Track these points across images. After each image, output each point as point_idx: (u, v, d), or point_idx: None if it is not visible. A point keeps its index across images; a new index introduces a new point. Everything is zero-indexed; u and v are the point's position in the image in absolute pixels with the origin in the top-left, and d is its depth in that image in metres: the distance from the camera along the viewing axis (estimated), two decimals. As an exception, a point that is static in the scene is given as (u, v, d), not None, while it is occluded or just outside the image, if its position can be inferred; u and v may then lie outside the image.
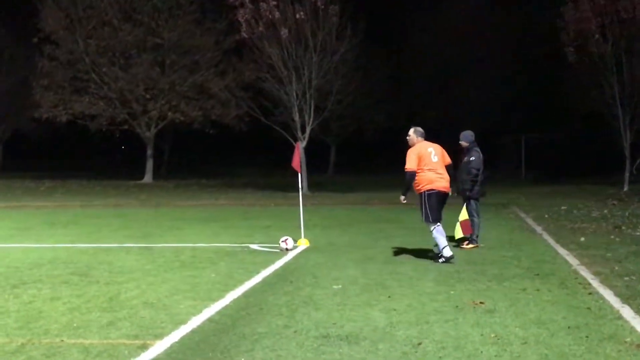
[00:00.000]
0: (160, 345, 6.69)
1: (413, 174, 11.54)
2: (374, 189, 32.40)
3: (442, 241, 11.51)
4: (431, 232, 11.65)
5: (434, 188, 11.58)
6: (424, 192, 11.59)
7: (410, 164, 11.55)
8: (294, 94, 32.02)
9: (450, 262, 11.26)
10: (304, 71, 31.75)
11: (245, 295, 9.11)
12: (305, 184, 12.57)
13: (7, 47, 45.87)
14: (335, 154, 56.40)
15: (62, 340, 6.96)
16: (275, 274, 10.76)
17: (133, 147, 56.57)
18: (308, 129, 32.62)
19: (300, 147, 16.07)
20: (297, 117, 32.30)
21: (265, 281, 10.11)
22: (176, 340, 6.89)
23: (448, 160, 12.06)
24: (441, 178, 11.70)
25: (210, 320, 7.72)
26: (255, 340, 6.83)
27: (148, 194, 32.55)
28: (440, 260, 11.43)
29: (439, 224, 11.61)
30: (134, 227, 18.29)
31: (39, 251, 13.67)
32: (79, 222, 19.90)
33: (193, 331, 7.24)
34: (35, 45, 39.98)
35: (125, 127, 42.18)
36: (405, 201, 11.80)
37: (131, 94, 40.04)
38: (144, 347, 6.63)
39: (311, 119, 32.49)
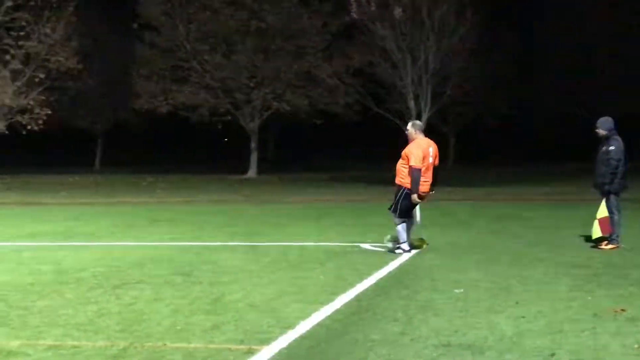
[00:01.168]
0: (267, 351, 6.73)
1: (420, 171, 12.30)
2: (496, 182, 31.91)
3: (403, 236, 12.69)
4: (396, 225, 12.75)
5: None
6: (406, 189, 12.47)
7: (416, 161, 12.28)
8: (409, 79, 31.74)
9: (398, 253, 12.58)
10: (420, 54, 31.42)
11: (357, 298, 9.11)
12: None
13: (103, 34, 46.62)
14: (454, 144, 55.71)
15: (165, 345, 7.10)
16: (390, 276, 10.73)
17: (236, 140, 57.38)
18: (424, 117, 32.28)
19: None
20: (412, 105, 32.04)
21: (378, 284, 10.10)
22: (284, 346, 6.91)
23: (437, 162, 13.10)
24: (425, 182, 12.60)
25: (320, 325, 7.74)
26: (369, 348, 6.79)
27: (252, 189, 33.04)
28: (398, 251, 12.67)
29: (406, 220, 12.77)
30: (238, 225, 18.61)
31: (140, 250, 14.07)
32: (181, 219, 20.40)
33: (302, 337, 7.26)
34: (133, 32, 40.94)
35: (228, 118, 42.75)
36: (419, 199, 12.67)
37: (234, 82, 40.51)
38: (250, 353, 6.69)
39: (428, 106, 32.16)
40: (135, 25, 40.34)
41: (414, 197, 12.36)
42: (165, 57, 40.47)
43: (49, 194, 31.47)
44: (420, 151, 12.43)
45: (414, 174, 12.21)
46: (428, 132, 33.14)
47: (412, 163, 12.23)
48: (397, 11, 30.11)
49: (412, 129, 12.83)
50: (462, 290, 9.43)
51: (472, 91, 39.64)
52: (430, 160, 12.69)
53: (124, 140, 62.12)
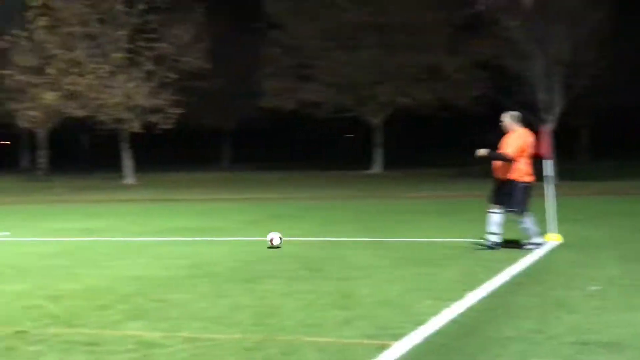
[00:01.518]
0: (400, 347, 6.75)
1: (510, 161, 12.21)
2: (631, 176, 30.90)
3: (533, 229, 12.54)
4: (522, 223, 12.59)
5: (530, 180, 12.36)
6: (521, 182, 12.29)
7: (514, 151, 12.21)
8: (539, 71, 31.06)
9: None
10: (550, 44, 30.67)
11: (490, 295, 9.03)
12: (552, 172, 12.19)
13: (230, 34, 47.28)
14: (587, 136, 54.17)
15: (298, 338, 7.24)
16: (523, 272, 10.57)
17: (358, 136, 57.50)
18: (557, 109, 31.52)
19: (547, 130, 15.69)
20: (542, 97, 31.32)
21: (511, 281, 9.96)
22: (417, 342, 6.92)
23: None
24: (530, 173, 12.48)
25: (452, 321, 7.69)
26: (503, 345, 6.73)
27: (377, 184, 33.13)
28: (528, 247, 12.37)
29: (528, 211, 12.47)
30: (364, 220, 18.71)
31: (266, 245, 14.33)
32: (306, 215, 20.68)
33: (435, 333, 7.26)
34: (259, 31, 41.56)
35: (353, 114, 42.92)
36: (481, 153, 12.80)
37: (358, 78, 40.63)
38: (382, 348, 6.72)
39: (559, 98, 31.39)
40: (261, 25, 40.96)
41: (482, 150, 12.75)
42: (290, 55, 40.99)
43: (181, 190, 32.38)
44: (521, 141, 12.31)
45: (504, 157, 12.28)
46: (559, 125, 32.49)
47: (508, 151, 12.22)
48: (528, 0, 29.41)
49: (511, 119, 12.61)
50: (599, 287, 9.20)
51: (605, 81, 38.14)
52: (532, 150, 12.54)
53: (249, 138, 63.13)
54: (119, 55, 37.20)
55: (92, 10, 36.91)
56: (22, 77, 37.88)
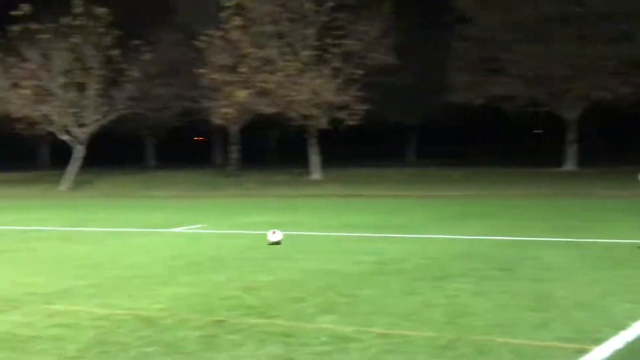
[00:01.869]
0: (600, 352, 6.55)
1: None
2: None
3: None
4: None
5: None
6: None
7: None
8: None
9: None
10: None
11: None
12: None
13: (417, 29, 46.94)
14: None
15: (491, 339, 7.15)
16: None
17: (548, 132, 55.79)
18: None
19: None
20: None
21: None
22: (618, 347, 6.69)
23: None
24: None
25: (656, 327, 7.38)
26: None
27: (570, 182, 32.06)
28: None
29: None
30: (556, 219, 18.25)
31: (456, 243, 14.25)
32: (494, 213, 20.36)
33: (637, 338, 6.98)
34: (447, 25, 41.13)
35: (546, 108, 41.73)
36: None
37: (551, 72, 39.39)
38: (581, 352, 6.54)
39: None
40: (449, 19, 40.51)
41: None
42: (479, 48, 40.28)
43: (366, 186, 32.61)
44: None
45: None
46: None
47: None
48: None
49: None
50: None
51: None
52: None
53: (435, 133, 62.65)
54: (307, 52, 37.82)
55: (282, 10, 37.75)
56: (217, 76, 39.22)
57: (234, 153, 47.84)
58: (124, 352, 7.15)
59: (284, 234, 14.35)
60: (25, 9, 36.24)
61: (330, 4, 37.39)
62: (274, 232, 12.98)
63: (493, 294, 9.23)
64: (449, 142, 65.26)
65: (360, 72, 37.49)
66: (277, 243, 12.43)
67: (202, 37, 39.61)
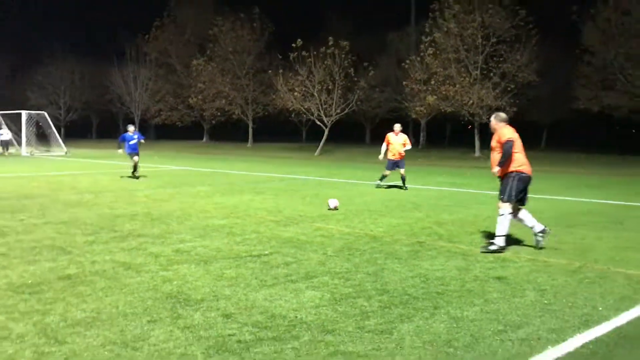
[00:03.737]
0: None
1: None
2: None
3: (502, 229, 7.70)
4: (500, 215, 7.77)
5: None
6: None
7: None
8: None
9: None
10: None
11: None
12: None
13: (554, 57, 44.16)
14: None
15: (609, 268, 6.76)
16: None
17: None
18: None
19: None
20: None
21: None
22: None
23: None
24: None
25: None
26: None
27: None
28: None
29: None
30: (652, 193, 16.65)
31: (579, 204, 13.42)
32: (608, 185, 18.80)
33: None
34: (574, 55, 38.41)
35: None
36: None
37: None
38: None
39: None
40: (577, 50, 37.71)
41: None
42: (598, 72, 37.24)
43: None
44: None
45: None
46: None
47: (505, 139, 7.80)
48: None
49: (495, 120, 8.11)
50: None
51: None
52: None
53: (562, 130, 58.72)
54: (476, 72, 36.69)
55: (461, 43, 36.76)
56: (415, 86, 39.11)
57: (423, 137, 47.51)
58: (361, 255, 7.39)
59: (459, 190, 14.10)
60: (298, 42, 37.89)
61: (494, 39, 36.05)
62: (333, 201, 12.14)
63: (610, 238, 8.68)
64: (572, 136, 61.12)
65: (512, 86, 35.96)
66: (335, 209, 11.64)
67: (407, 61, 39.46)
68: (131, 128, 18.90)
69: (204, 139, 59.72)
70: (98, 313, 4.94)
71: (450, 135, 61.55)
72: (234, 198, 13.27)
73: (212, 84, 51.00)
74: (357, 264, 6.86)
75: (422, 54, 38.20)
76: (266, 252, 7.42)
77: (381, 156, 16.37)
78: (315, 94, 39.39)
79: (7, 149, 35.24)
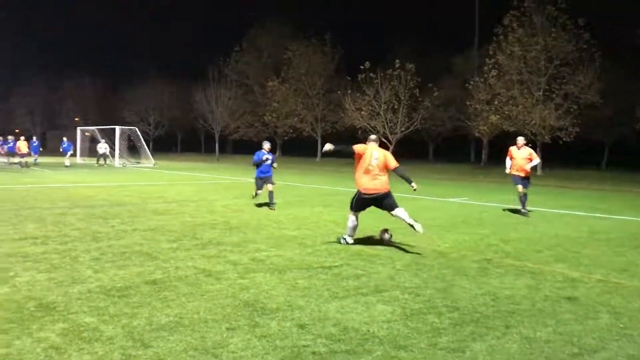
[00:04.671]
0: None
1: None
2: None
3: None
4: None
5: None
6: None
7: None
8: None
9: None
10: None
11: None
12: None
13: (613, 79, 41.91)
14: None
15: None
16: None
17: None
18: None
19: None
20: None
21: None
22: None
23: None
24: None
25: None
26: None
27: None
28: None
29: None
30: None
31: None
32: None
33: None
34: (636, 78, 36.42)
35: None
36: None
37: None
38: None
39: None
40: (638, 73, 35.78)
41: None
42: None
43: (573, 181, 29.84)
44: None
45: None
46: None
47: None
48: None
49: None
50: None
51: None
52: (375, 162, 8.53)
53: (624, 149, 55.78)
54: (539, 93, 35.38)
55: (524, 65, 35.60)
56: (478, 106, 38.16)
57: (485, 154, 46.27)
58: (430, 270, 7.10)
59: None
60: (366, 65, 37.93)
61: (557, 62, 34.73)
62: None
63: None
64: (635, 156, 57.96)
65: (575, 107, 34.45)
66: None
67: (471, 82, 38.61)
68: (267, 145, 13.57)
69: (277, 154, 60.46)
70: (181, 318, 4.90)
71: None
72: (305, 210, 13.19)
73: (286, 103, 51.79)
74: (425, 280, 6.58)
75: (485, 75, 37.28)
76: (336, 264, 7.25)
77: (507, 170, 14.03)
78: (381, 112, 39.18)
79: (105, 161, 36.77)
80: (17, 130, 69.10)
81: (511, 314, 5.29)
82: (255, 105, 57.36)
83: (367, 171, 8.49)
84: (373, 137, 8.82)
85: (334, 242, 8.89)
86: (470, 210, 14.28)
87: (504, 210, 14.51)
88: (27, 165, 30.72)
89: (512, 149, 14.02)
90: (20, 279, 6.03)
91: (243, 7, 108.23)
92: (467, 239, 9.57)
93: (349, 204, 8.78)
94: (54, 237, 8.67)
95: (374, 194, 8.49)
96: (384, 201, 8.58)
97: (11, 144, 31.40)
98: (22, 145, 31.29)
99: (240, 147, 68.35)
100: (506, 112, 35.85)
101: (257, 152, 13.36)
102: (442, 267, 7.29)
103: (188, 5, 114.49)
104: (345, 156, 8.57)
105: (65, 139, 34.75)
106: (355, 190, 8.72)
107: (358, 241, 9.01)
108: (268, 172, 13.35)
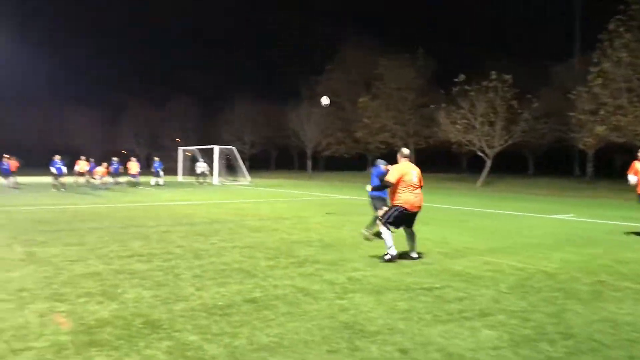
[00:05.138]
0: None
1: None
2: None
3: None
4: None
5: None
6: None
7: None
8: None
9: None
10: None
11: None
12: None
13: None
14: None
15: None
16: None
17: None
18: None
19: None
20: None
21: None
22: None
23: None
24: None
25: None
26: None
27: None
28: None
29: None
30: None
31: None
32: None
33: None
34: None
35: None
36: None
37: None
38: None
39: None
40: None
41: None
42: None
43: None
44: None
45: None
46: None
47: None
48: None
49: (398, 155, 8.90)
50: None
51: None
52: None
53: None
54: (652, 101, 32.95)
55: (633, 72, 33.30)
56: (582, 117, 36.11)
57: (589, 168, 43.68)
58: (537, 293, 6.68)
59: (637, 225, 12.40)
60: (461, 77, 37.20)
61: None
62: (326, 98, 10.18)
63: None
64: None
65: None
66: (327, 106, 9.54)
67: (574, 92, 36.66)
68: (382, 163, 11.08)
69: (367, 170, 60.39)
70: (281, 339, 4.89)
71: (621, 167, 55.93)
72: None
73: (377, 118, 51.65)
74: (533, 303, 6.18)
75: (590, 84, 35.23)
76: (437, 286, 7.00)
77: (631, 182, 12.23)
78: (477, 126, 38.13)
79: (205, 179, 38.38)
80: (123, 152, 73.96)
81: (634, 343, 4.84)
82: (345, 122, 57.74)
83: (410, 187, 8.53)
84: (407, 151, 8.87)
85: (431, 262, 8.63)
86: (577, 228, 13.43)
87: (627, 233, 13.49)
88: (134, 185, 32.58)
89: (636, 163, 12.11)
90: (128, 296, 6.31)
91: (331, 25, 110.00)
92: (576, 259, 8.96)
93: (383, 220, 8.59)
94: (158, 254, 9.05)
95: (417, 210, 8.63)
96: (416, 216, 8.77)
97: (116, 166, 33.42)
98: (132, 165, 33.18)
99: (331, 164, 69.12)
100: (614, 123, 33.64)
101: (378, 169, 11.02)
102: (551, 289, 6.84)
103: (278, 30, 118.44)
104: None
105: (156, 158, 36.04)
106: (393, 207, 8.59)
107: (461, 261, 8.68)
108: (386, 193, 10.98)
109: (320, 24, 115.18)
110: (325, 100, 10.13)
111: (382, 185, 8.96)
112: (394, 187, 8.54)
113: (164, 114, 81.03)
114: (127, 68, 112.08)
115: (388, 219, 8.58)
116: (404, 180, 8.50)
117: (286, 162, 79.78)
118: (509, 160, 53.41)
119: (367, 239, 10.77)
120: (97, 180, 30.96)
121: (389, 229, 8.58)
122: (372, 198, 11.12)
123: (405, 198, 8.52)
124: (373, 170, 11.19)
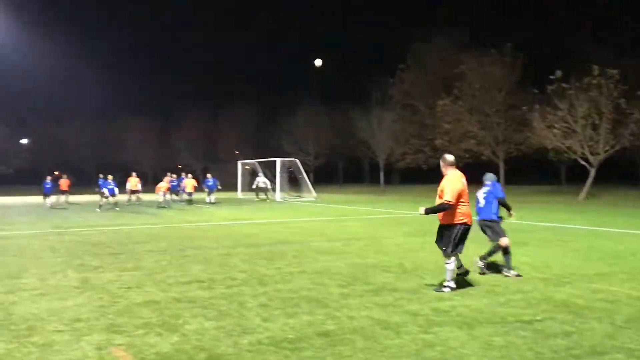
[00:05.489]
0: None
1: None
2: None
3: None
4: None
5: None
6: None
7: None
8: None
9: None
10: None
11: None
12: None
13: None
14: None
15: None
16: None
17: None
18: None
19: None
20: None
21: None
22: None
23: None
24: None
25: None
26: None
27: None
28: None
29: None
30: None
31: None
32: None
33: None
34: None
35: None
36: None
37: None
38: None
39: None
40: None
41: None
42: None
43: None
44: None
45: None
46: None
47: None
48: None
49: (442, 162, 8.63)
50: None
51: None
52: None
53: None
54: None
55: None
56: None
57: None
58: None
59: None
60: (558, 74, 36.31)
61: None
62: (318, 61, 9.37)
63: None
64: None
65: None
66: (320, 69, 8.90)
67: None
68: (492, 178, 10.04)
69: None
70: (359, 378, 4.87)
71: None
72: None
73: (459, 123, 50.67)
74: (658, 340, 5.88)
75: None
76: (538, 318, 6.78)
77: None
78: (578, 130, 36.89)
79: (267, 196, 38.97)
80: (179, 166, 76.26)
81: None
82: (421, 128, 57.14)
83: (466, 199, 8.36)
84: (452, 158, 8.62)
85: (529, 290, 8.37)
86: None
87: None
88: (190, 202, 33.48)
89: None
90: (189, 327, 6.47)
91: (402, 23, 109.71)
92: None
93: (444, 248, 8.28)
94: (220, 279, 9.25)
95: (471, 222, 8.40)
96: None
97: (175, 182, 34.44)
98: (188, 183, 34.13)
99: (407, 176, 68.33)
100: None
101: (495, 187, 9.89)
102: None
103: (342, 30, 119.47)
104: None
105: (209, 175, 36.71)
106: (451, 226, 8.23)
107: (565, 289, 8.38)
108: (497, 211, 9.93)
109: (393, 18, 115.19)
110: (318, 62, 10.10)
111: (440, 208, 8.14)
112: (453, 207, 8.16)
113: (220, 123, 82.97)
114: (179, 75, 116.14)
115: (455, 248, 8.24)
116: (461, 195, 8.26)
117: (356, 174, 79.80)
118: (616, 168, 51.37)
119: (482, 273, 9.67)
120: (160, 197, 31.72)
121: (457, 258, 8.45)
122: (486, 222, 9.77)
123: (464, 211, 8.29)
124: (488, 190, 9.78)
